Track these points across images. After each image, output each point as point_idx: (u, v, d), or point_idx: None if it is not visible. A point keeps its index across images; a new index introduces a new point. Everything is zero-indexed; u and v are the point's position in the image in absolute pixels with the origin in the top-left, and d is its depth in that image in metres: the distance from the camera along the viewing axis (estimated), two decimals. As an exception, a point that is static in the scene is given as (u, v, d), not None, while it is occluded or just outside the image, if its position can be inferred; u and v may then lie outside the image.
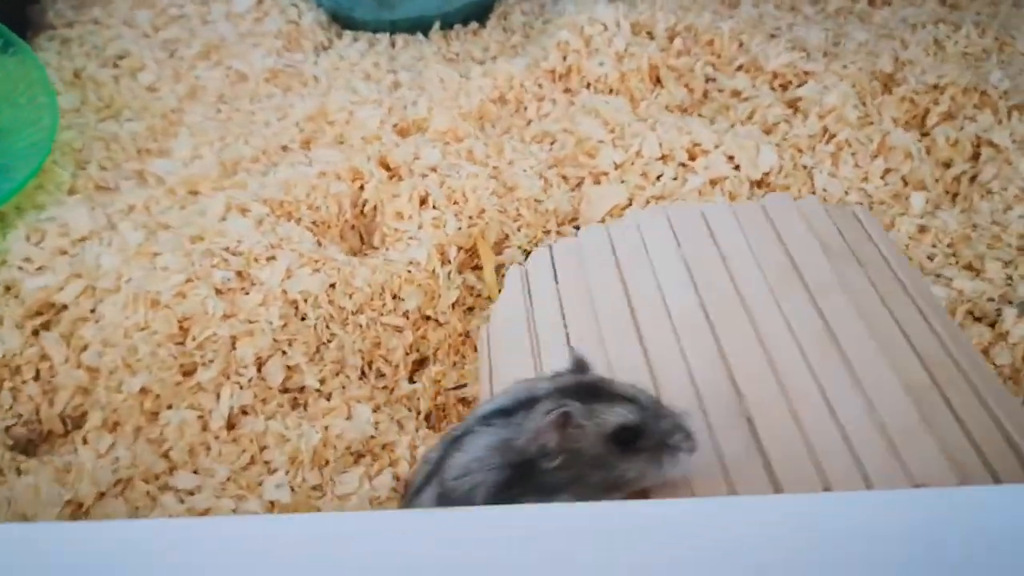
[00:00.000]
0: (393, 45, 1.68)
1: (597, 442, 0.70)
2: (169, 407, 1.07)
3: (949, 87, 1.37)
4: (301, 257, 1.15)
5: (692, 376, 0.79)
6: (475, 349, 1.17)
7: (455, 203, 1.26)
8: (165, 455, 1.05)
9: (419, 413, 1.13)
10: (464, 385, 1.16)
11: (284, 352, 1.10)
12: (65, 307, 1.14)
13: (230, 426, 1.06)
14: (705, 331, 0.83)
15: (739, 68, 1.48)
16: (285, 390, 1.10)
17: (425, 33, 1.70)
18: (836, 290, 0.83)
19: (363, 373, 1.15)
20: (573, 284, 0.95)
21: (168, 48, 1.68)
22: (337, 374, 1.13)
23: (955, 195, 1.29)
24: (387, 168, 1.30)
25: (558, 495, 0.72)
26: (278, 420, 1.06)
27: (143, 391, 1.07)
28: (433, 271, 1.18)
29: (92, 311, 1.16)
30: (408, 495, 0.82)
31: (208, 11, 1.76)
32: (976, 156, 1.31)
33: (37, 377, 1.13)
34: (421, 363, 1.19)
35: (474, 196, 1.25)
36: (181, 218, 1.24)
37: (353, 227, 1.29)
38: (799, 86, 1.40)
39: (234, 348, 1.09)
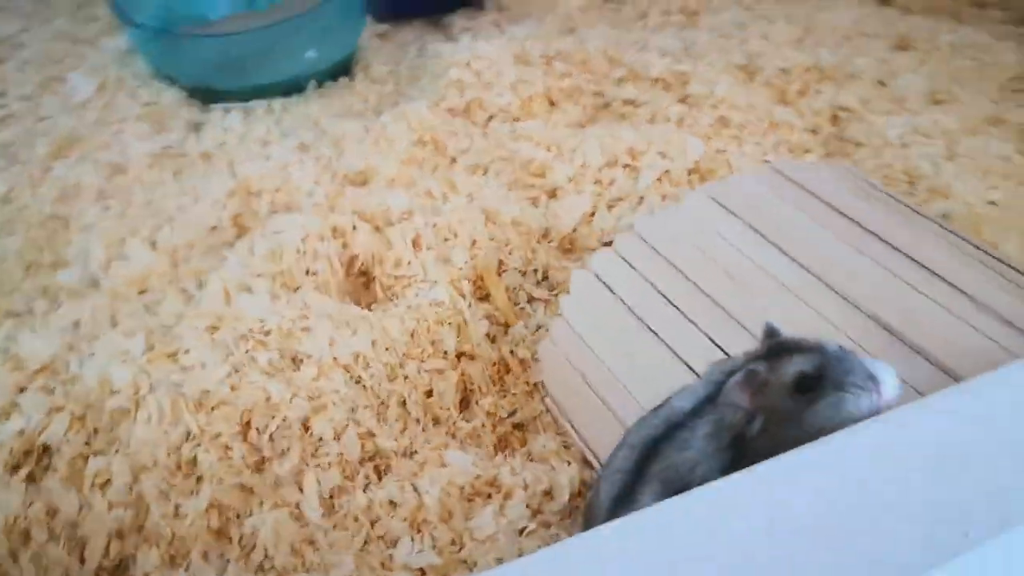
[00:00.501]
0: (272, 111, 1.61)
1: (783, 393, 0.74)
2: (249, 514, 0.95)
3: (795, 68, 1.63)
4: (332, 320, 1.09)
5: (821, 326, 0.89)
6: (510, 373, 1.18)
7: (446, 240, 1.25)
8: (262, 568, 0.94)
9: (492, 446, 1.11)
10: (515, 412, 1.16)
11: (356, 421, 1.03)
12: (49, 448, 0.97)
13: (328, 511, 0.98)
14: (811, 284, 0.93)
15: (621, 80, 1.63)
16: (367, 459, 1.03)
17: (299, 93, 1.65)
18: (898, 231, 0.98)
19: (418, 421, 1.11)
20: (655, 268, 1.01)
21: (6, 154, 1.47)
22: (404, 430, 1.08)
23: (835, 153, 1.53)
24: (365, 221, 1.26)
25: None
26: (375, 489, 0.99)
27: (211, 506, 0.95)
28: (458, 308, 1.17)
29: (87, 443, 1.00)
30: (607, 508, 0.82)
31: (39, 106, 1.56)
32: (835, 118, 1.57)
33: (52, 536, 0.95)
34: (464, 399, 1.17)
35: (463, 229, 1.26)
36: (166, 315, 1.10)
37: (352, 283, 1.23)
38: (683, 85, 1.58)
39: (307, 429, 1.00)
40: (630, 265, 1.03)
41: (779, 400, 0.74)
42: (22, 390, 1.04)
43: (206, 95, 1.62)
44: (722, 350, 0.91)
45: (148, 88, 1.59)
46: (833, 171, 1.11)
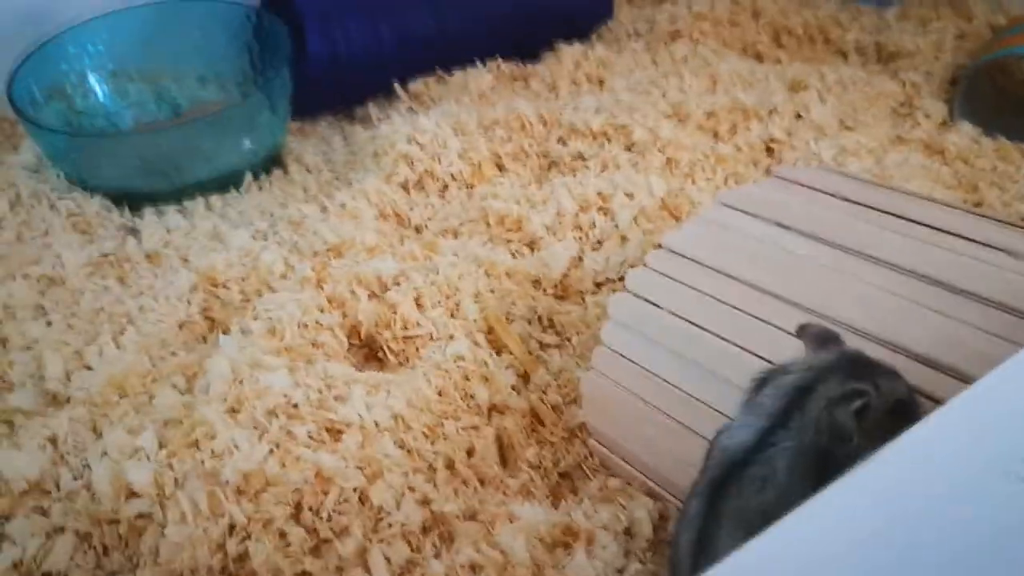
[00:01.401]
0: (212, 207, 1.51)
1: (879, 417, 0.71)
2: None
3: (719, 111, 1.71)
4: (362, 385, 0.99)
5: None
6: (543, 422, 1.12)
7: (449, 296, 1.19)
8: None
9: (546, 499, 1.03)
10: (559, 461, 1.09)
11: (411, 487, 0.93)
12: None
13: (403, 588, 0.86)
14: (849, 259, 0.95)
15: (562, 139, 1.65)
16: (429, 527, 0.93)
17: (236, 188, 1.57)
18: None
19: (465, 483, 1.02)
20: (696, 274, 1.00)
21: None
22: (456, 492, 0.98)
23: (777, 180, 1.61)
24: (361, 287, 1.18)
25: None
26: (449, 555, 0.89)
27: (272, 605, 0.82)
28: (481, 360, 1.11)
29: (97, 566, 0.85)
30: (689, 553, 0.76)
31: (-58, 230, 1.39)
32: (769, 149, 1.66)
33: None
34: (502, 455, 1.09)
35: (464, 283, 1.20)
36: (167, 409, 0.97)
37: (355, 354, 1.14)
38: (626, 135, 1.62)
39: (363, 502, 0.89)
40: (669, 277, 1.02)
41: (875, 424, 0.71)
42: (7, 518, 0.88)
43: (134, 199, 1.51)
44: (785, 332, 0.90)
45: (69, 199, 1.46)
46: (826, 171, 1.15)
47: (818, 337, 0.79)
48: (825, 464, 0.69)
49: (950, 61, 2.04)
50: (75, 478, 0.91)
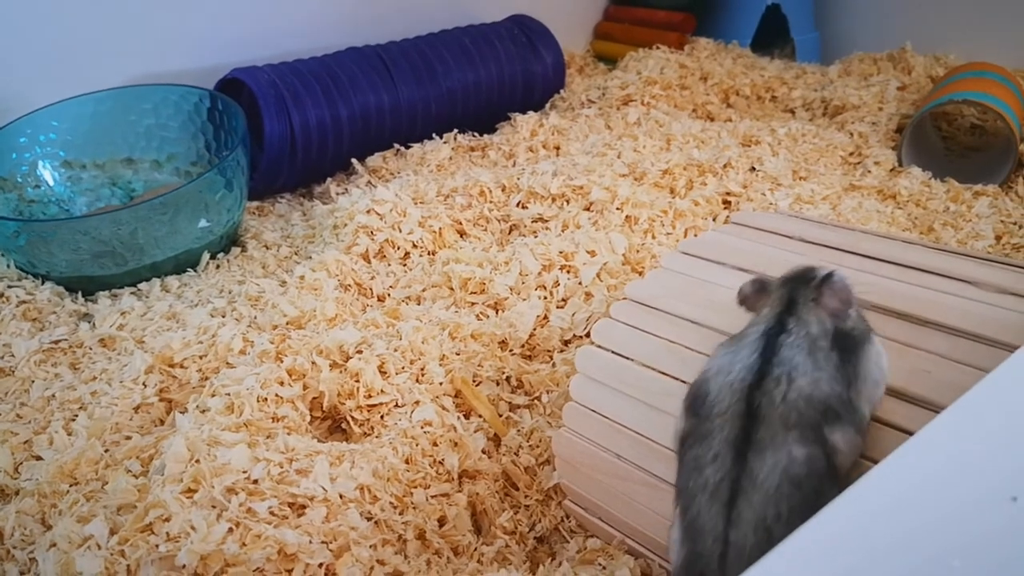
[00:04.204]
0: (168, 288, 1.48)
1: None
2: None
3: (675, 168, 1.73)
4: (325, 457, 0.95)
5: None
6: (516, 486, 1.08)
7: (413, 362, 1.17)
8: None
9: (523, 565, 0.99)
10: (535, 524, 1.05)
11: (381, 561, 0.89)
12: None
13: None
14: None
15: (520, 204, 1.65)
16: (401, 602, 0.88)
17: (193, 268, 1.54)
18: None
19: (439, 553, 0.97)
20: (660, 322, 0.99)
21: None
22: (429, 563, 0.94)
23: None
24: (322, 357, 1.15)
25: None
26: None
27: None
28: (449, 424, 1.08)
29: None
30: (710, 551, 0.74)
31: None
32: (727, 202, 1.67)
33: None
34: (476, 522, 1.05)
35: (428, 348, 1.18)
36: (120, 495, 0.92)
37: (316, 427, 1.10)
38: (584, 196, 1.62)
39: (331, 578, 0.84)
40: (634, 327, 1.00)
41: None
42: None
43: (88, 285, 1.47)
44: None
45: (18, 287, 1.42)
46: (782, 215, 1.16)
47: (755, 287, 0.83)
48: (841, 341, 0.76)
49: (894, 111, 2.10)
50: (22, 573, 0.86)
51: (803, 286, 0.79)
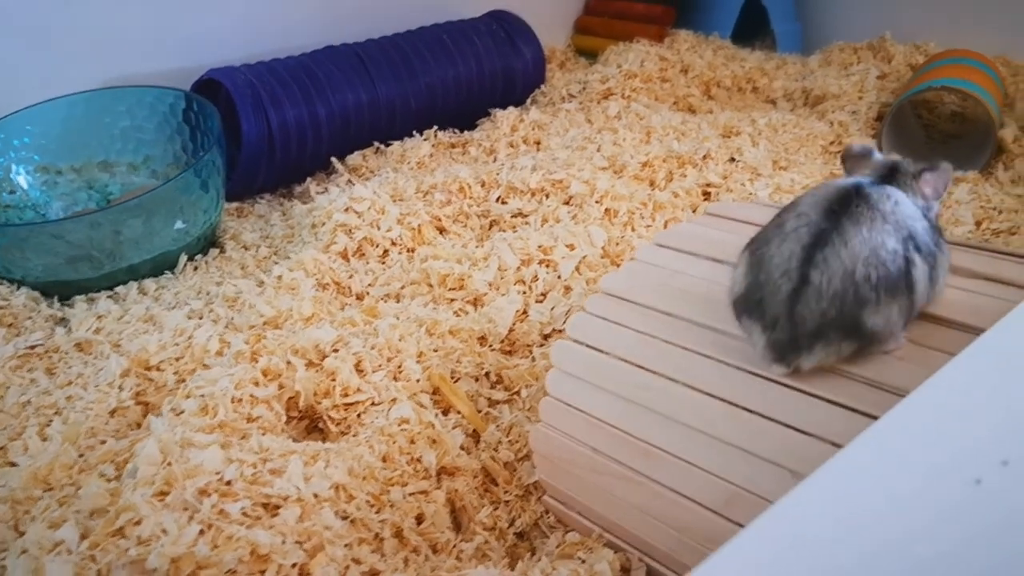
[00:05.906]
0: (145, 291, 1.47)
1: None
2: None
3: (654, 160, 1.73)
4: (299, 457, 0.95)
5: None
6: (496, 482, 1.08)
7: (390, 360, 1.16)
8: None
9: (503, 561, 0.98)
10: (515, 520, 1.05)
11: (356, 559, 0.88)
12: None
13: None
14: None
15: (500, 200, 1.65)
16: (377, 601, 0.87)
17: (171, 270, 1.53)
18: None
19: (417, 551, 0.97)
20: (634, 315, 0.98)
21: None
22: (407, 561, 0.93)
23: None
24: (298, 357, 1.14)
25: None
26: (402, 631, 0.83)
27: None
28: (427, 421, 1.07)
29: None
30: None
31: None
32: (707, 193, 1.67)
33: None
34: (456, 519, 1.04)
35: (405, 345, 1.17)
36: (92, 499, 0.91)
37: (293, 428, 1.09)
38: (563, 190, 1.62)
39: (305, 578, 0.83)
40: (609, 321, 0.99)
41: None
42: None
43: (64, 289, 1.46)
44: (727, 364, 0.88)
45: (-7, 294, 1.41)
46: (757, 205, 1.16)
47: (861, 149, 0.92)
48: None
49: (874, 100, 2.10)
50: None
51: (906, 166, 0.87)
